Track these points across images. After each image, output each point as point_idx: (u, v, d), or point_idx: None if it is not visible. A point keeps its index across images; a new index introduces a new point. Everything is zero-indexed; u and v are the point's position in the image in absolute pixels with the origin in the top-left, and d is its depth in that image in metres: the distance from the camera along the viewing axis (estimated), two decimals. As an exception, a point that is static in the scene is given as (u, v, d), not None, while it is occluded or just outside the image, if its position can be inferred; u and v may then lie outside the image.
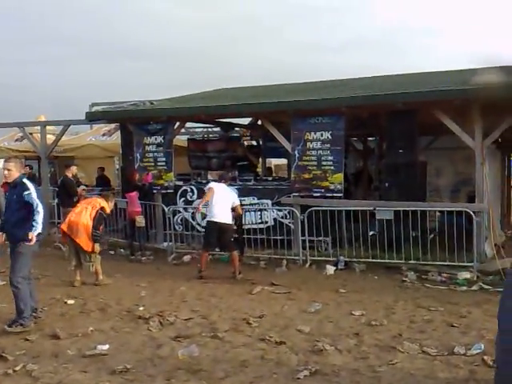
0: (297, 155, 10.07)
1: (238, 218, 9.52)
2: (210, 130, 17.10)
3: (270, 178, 13.06)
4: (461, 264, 8.44)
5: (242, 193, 10.63)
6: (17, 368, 4.87)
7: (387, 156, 10.01)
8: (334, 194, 9.79)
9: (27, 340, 5.66)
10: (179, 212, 11.20)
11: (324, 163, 9.85)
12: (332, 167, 9.82)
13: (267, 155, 15.89)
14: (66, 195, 10.78)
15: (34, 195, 5.88)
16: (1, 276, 8.23)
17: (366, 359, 5.06)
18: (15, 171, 6.02)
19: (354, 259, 9.16)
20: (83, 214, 8.15)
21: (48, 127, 14.01)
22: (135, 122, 11.76)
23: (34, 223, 5.79)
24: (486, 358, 4.88)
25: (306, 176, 9.99)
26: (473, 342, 5.32)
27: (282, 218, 10.43)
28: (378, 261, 8.97)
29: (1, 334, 5.81)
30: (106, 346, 5.42)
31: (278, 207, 10.44)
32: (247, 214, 10.49)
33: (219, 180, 9.32)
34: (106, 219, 8.83)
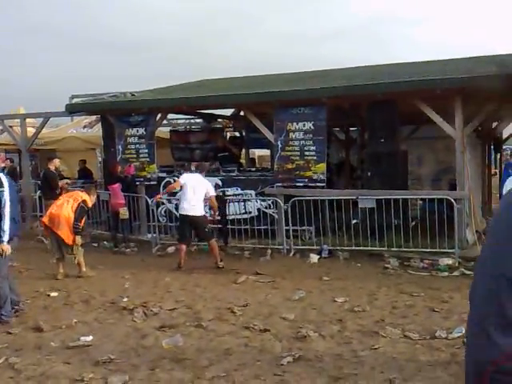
0: (279, 146, 10.07)
1: (221, 208, 9.51)
2: (192, 121, 17.04)
3: (254, 169, 13.09)
4: (442, 250, 8.54)
5: (225, 183, 10.64)
6: (-1, 361, 4.83)
7: (369, 146, 10.06)
8: (317, 184, 9.83)
9: (9, 333, 5.62)
10: (163, 203, 11.16)
11: (307, 153, 9.88)
12: (315, 157, 9.85)
13: (250, 146, 15.92)
14: (48, 188, 10.69)
15: (7, 193, 5.70)
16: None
17: (349, 344, 5.12)
18: None
19: (338, 247, 9.23)
20: (64, 207, 8.09)
21: (28, 120, 13.83)
22: (116, 114, 11.65)
23: (0, 233, 5.59)
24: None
25: (289, 166, 10.01)
26: (454, 326, 5.39)
27: (266, 208, 10.46)
28: (361, 248, 9.04)
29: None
30: (90, 338, 5.41)
31: (261, 197, 10.46)
32: (231, 204, 10.52)
33: (196, 170, 9.27)
34: (88, 212, 8.77)
